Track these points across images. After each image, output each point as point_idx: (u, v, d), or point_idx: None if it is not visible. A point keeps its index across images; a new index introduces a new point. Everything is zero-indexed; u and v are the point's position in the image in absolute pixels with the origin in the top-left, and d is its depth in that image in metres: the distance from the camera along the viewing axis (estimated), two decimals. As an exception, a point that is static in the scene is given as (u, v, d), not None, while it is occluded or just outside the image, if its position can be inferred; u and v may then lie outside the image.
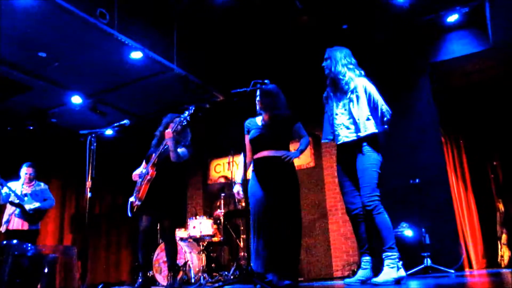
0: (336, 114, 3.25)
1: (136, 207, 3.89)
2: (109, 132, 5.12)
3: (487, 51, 5.50)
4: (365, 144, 3.07)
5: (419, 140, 5.57)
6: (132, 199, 3.96)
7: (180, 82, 5.94)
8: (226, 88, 6.12)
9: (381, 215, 2.95)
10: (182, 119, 3.83)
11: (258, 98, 3.35)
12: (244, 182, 3.27)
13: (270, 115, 3.37)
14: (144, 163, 4.08)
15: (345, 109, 3.19)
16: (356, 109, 3.12)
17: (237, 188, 3.43)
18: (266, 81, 3.31)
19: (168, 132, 3.76)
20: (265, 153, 3.29)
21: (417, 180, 5.07)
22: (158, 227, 5.44)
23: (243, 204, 5.82)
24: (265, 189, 3.22)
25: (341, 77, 3.17)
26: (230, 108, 6.49)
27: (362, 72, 3.24)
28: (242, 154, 3.38)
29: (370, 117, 3.09)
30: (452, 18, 5.45)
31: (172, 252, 3.94)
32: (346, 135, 3.18)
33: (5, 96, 6.00)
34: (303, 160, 6.80)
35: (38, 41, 4.85)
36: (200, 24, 5.70)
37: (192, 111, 3.85)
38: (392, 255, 2.87)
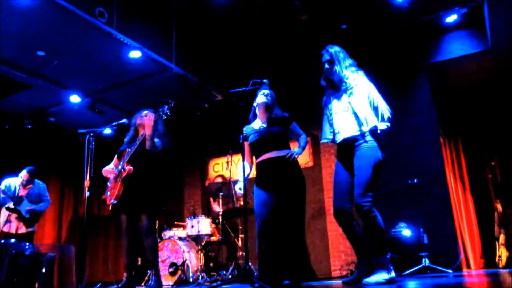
0: (336, 113, 3.23)
1: (111, 205, 3.77)
2: (107, 131, 5.13)
3: (485, 51, 5.51)
4: (365, 140, 3.05)
5: (417, 140, 5.58)
6: (105, 196, 3.85)
7: (179, 81, 5.94)
8: (225, 88, 6.11)
9: (374, 219, 2.94)
10: (161, 112, 3.73)
11: (262, 99, 3.38)
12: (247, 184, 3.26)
13: (268, 116, 3.40)
14: (115, 159, 3.97)
15: (346, 106, 3.17)
16: (358, 105, 3.11)
17: (239, 185, 3.40)
18: (264, 80, 3.32)
19: (150, 119, 3.69)
20: (268, 155, 3.31)
21: (415, 180, 5.08)
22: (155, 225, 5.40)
23: (242, 203, 5.83)
24: (270, 190, 3.24)
25: (345, 80, 3.19)
26: (228, 107, 6.49)
27: (361, 73, 3.25)
28: (242, 162, 3.38)
29: (372, 112, 3.09)
30: (451, 18, 5.46)
31: (151, 247, 3.78)
32: (347, 131, 3.15)
33: (3, 95, 6.00)
34: (302, 160, 6.77)
35: (36, 40, 4.84)
36: (199, 23, 5.70)
37: (172, 105, 3.75)
38: (384, 258, 2.93)
